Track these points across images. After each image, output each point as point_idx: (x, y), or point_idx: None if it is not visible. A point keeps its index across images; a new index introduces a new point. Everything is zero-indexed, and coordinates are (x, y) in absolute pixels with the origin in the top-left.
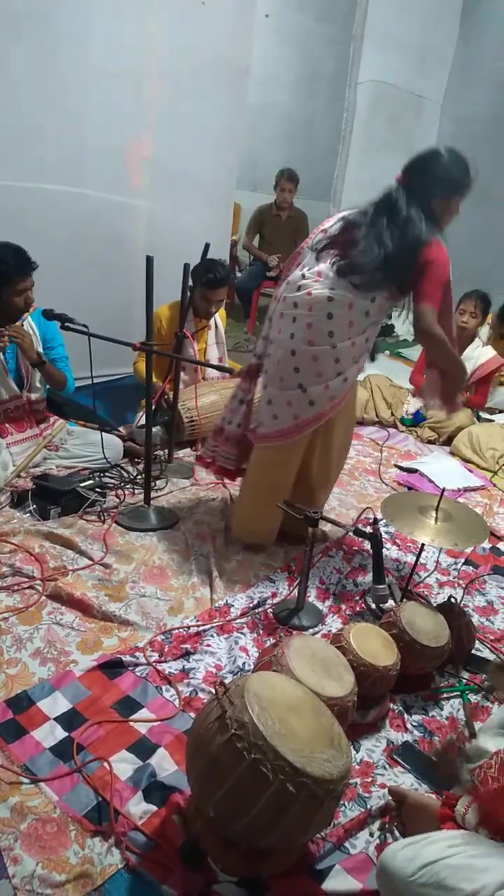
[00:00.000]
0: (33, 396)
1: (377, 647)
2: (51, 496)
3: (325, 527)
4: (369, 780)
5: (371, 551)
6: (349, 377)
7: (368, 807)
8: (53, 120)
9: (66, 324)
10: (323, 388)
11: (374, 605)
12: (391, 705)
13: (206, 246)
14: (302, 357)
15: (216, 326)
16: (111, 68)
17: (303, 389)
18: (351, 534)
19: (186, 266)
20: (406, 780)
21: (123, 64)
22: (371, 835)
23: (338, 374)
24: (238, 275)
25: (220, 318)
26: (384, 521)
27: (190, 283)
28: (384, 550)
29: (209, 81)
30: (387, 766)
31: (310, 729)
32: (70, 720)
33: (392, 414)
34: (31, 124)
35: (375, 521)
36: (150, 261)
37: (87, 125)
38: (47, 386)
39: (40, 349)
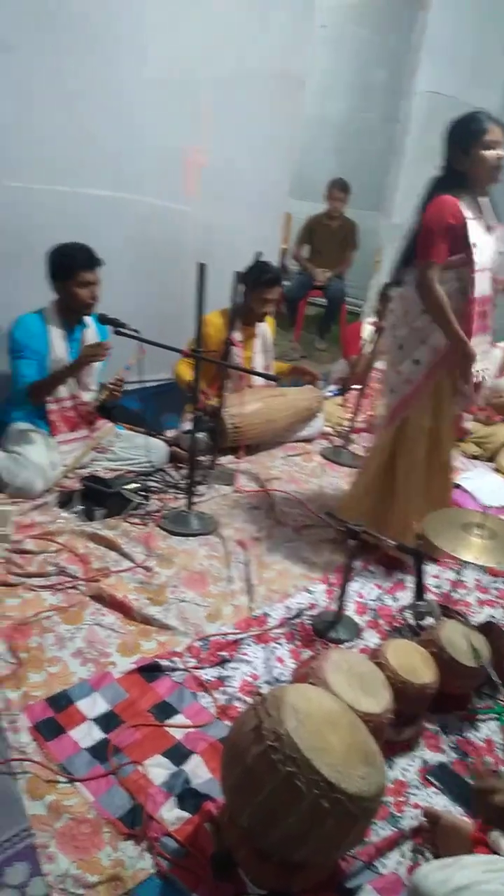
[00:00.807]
0: (86, 397)
1: (415, 664)
2: (97, 497)
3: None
4: (402, 799)
5: (412, 567)
6: (420, 359)
7: (401, 826)
8: (111, 128)
9: (119, 328)
10: (395, 373)
11: (412, 622)
12: (427, 724)
13: (258, 255)
14: (385, 353)
15: (264, 335)
16: (169, 77)
17: (387, 380)
18: (393, 549)
19: (237, 274)
20: (439, 802)
21: (181, 73)
22: (403, 855)
23: (405, 359)
24: (286, 283)
25: (269, 327)
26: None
27: (241, 288)
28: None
29: (266, 91)
30: (420, 786)
31: (345, 744)
32: (107, 721)
33: None
34: (89, 132)
35: (418, 536)
36: (202, 268)
37: (143, 133)
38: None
39: None
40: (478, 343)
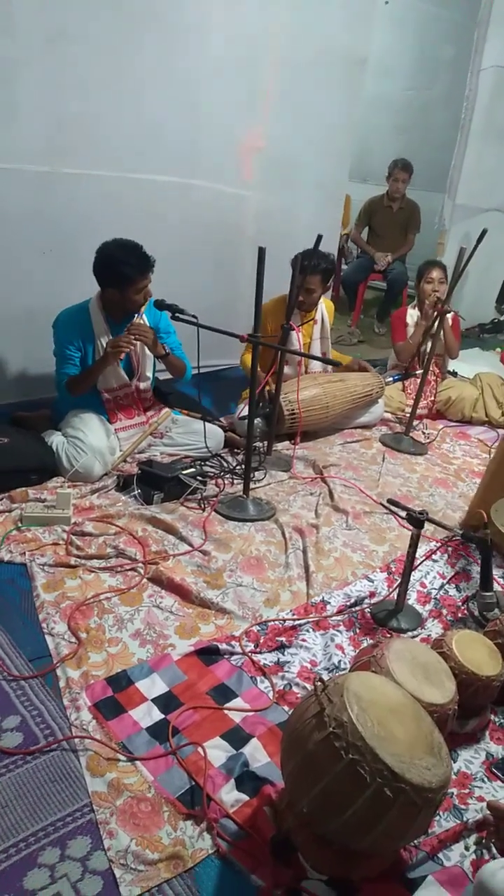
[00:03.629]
0: (142, 385)
1: (481, 656)
2: (154, 482)
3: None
4: (466, 791)
5: (480, 556)
6: None
7: (465, 819)
8: (173, 114)
9: (177, 314)
10: None
11: (477, 613)
12: (492, 717)
13: (319, 238)
14: None
15: (322, 321)
16: (230, 60)
17: None
18: (459, 537)
19: (296, 258)
20: None
21: (242, 55)
22: (466, 849)
23: None
24: (344, 267)
25: (327, 312)
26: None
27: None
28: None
29: (326, 72)
30: (485, 780)
31: (409, 734)
32: (167, 702)
33: (503, 414)
34: (153, 119)
35: (485, 525)
36: (262, 252)
37: (204, 117)
38: (155, 375)
39: None
40: None
